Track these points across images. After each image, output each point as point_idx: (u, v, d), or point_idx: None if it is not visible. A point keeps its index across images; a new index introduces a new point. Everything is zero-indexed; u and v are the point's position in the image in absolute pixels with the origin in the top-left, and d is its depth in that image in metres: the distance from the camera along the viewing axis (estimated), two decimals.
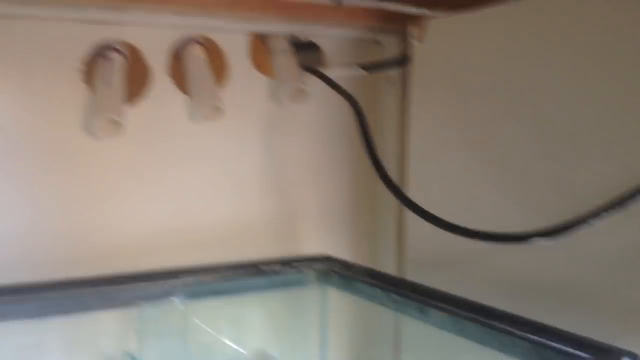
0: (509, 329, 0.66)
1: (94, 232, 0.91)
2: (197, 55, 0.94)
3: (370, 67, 1.03)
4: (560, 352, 0.61)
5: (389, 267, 1.07)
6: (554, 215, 0.69)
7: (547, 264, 0.74)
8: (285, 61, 0.98)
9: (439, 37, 0.88)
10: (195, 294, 0.90)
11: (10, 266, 0.85)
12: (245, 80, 0.99)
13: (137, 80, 0.92)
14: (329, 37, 1.04)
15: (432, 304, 0.76)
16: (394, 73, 1.07)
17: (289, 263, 0.97)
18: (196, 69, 0.93)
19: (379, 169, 0.84)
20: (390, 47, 1.07)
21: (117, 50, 0.90)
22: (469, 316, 0.71)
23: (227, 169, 0.99)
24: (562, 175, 0.72)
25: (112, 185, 0.91)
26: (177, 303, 0.88)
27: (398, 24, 0.97)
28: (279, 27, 0.97)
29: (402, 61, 0.99)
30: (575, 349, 0.61)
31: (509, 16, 0.80)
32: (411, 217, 0.94)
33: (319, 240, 1.07)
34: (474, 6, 0.86)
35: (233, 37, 0.97)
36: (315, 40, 1.04)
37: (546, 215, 0.70)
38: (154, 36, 0.91)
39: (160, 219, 0.95)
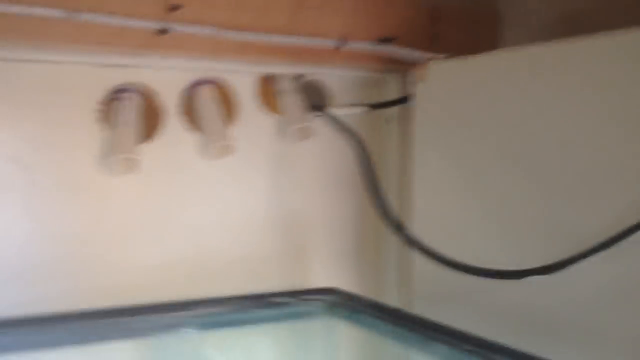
0: None
1: (107, 265, 0.94)
2: (208, 95, 0.99)
3: (375, 105, 1.07)
4: None
5: (393, 300, 1.10)
6: (549, 253, 0.72)
7: (543, 299, 0.77)
8: (292, 100, 1.03)
9: (440, 78, 0.92)
10: (206, 325, 0.93)
11: (27, 297, 0.89)
12: (253, 119, 1.03)
13: (151, 120, 0.96)
14: (333, 76, 1.08)
15: (434, 337, 0.78)
16: (392, 111, 1.11)
17: (296, 295, 1.00)
18: (207, 108, 0.98)
19: (381, 207, 0.88)
20: (393, 85, 1.11)
21: (132, 91, 0.94)
22: (470, 349, 0.74)
23: (236, 205, 1.03)
24: (557, 217, 0.76)
25: (125, 220, 0.95)
26: (189, 333, 0.91)
27: (399, 65, 1.02)
28: (285, 68, 1.02)
29: (404, 100, 1.03)
30: None
31: (508, 61, 0.84)
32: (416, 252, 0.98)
33: (325, 274, 1.10)
34: (469, 49, 0.90)
35: (242, 77, 1.01)
36: (320, 79, 1.08)
37: (542, 253, 0.74)
38: (167, 78, 0.96)
39: (172, 253, 0.98)
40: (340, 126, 0.99)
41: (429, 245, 0.84)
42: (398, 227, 0.87)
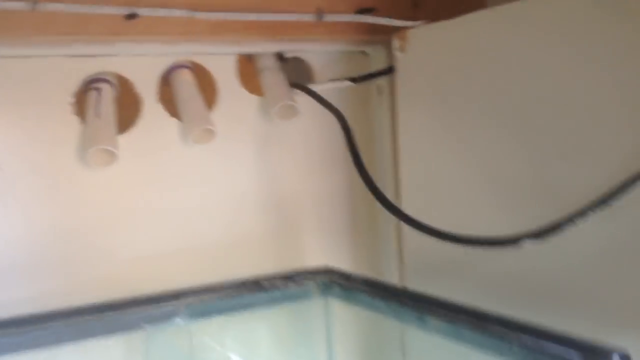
0: (503, 331, 0.67)
1: (93, 260, 0.93)
2: (185, 80, 0.96)
3: (357, 79, 1.05)
4: (553, 352, 0.62)
5: (390, 276, 1.08)
6: (542, 217, 0.70)
7: (537, 265, 0.75)
8: (273, 79, 1.00)
9: (420, 46, 0.90)
10: (199, 313, 0.91)
11: (14, 298, 0.87)
12: (235, 101, 1.00)
13: (128, 109, 0.94)
14: (315, 52, 1.05)
15: (427, 311, 0.77)
16: (383, 82, 1.08)
17: (289, 277, 0.98)
18: (185, 93, 0.95)
19: (366, 179, 0.85)
20: (377, 57, 1.08)
21: (106, 81, 0.92)
22: (464, 321, 0.72)
23: (223, 189, 1.01)
24: (548, 178, 0.74)
25: (109, 212, 0.93)
26: (181, 323, 0.90)
27: (381, 35, 0.99)
28: (264, 47, 0.99)
29: (389, 71, 1.00)
30: (568, 348, 0.62)
31: (490, 20, 0.81)
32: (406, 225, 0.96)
33: (319, 252, 1.09)
34: (452, 14, 0.87)
35: (220, 59, 0.99)
36: (301, 55, 1.05)
37: (534, 217, 0.71)
38: (141, 65, 0.93)
39: (159, 242, 0.97)
40: (321, 102, 0.96)
41: (416, 217, 0.81)
42: (382, 199, 0.84)
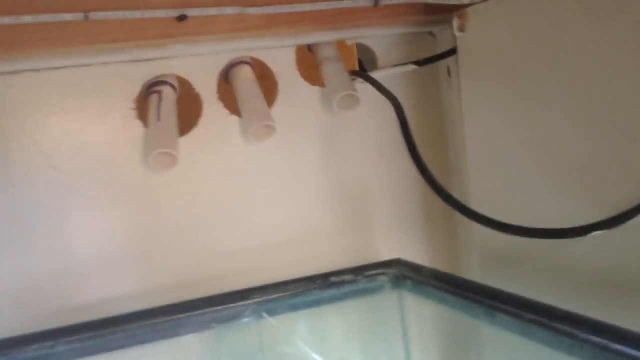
0: (573, 330, 0.63)
1: (165, 260, 0.94)
2: (244, 76, 0.95)
3: (421, 62, 1.00)
4: (624, 353, 0.57)
5: (469, 268, 1.04)
6: (612, 205, 0.64)
7: (608, 256, 0.69)
8: (333, 69, 0.97)
9: (480, 24, 0.84)
10: (268, 312, 0.91)
11: (95, 298, 0.90)
12: (296, 93, 0.99)
13: (189, 110, 0.94)
14: (376, 36, 1.02)
15: (496, 307, 0.73)
16: (453, 64, 1.03)
17: (358, 271, 0.96)
18: (244, 89, 0.94)
19: (422, 169, 0.82)
20: (445, 38, 1.03)
21: (167, 84, 0.92)
22: (533, 318, 0.68)
23: (288, 185, 1.00)
24: (619, 162, 0.67)
25: (175, 213, 0.94)
26: (250, 322, 0.89)
27: (445, 14, 0.94)
28: (322, 36, 0.96)
29: (453, 52, 0.95)
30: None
31: None
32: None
33: (392, 245, 1.06)
34: None
35: (278, 52, 0.97)
36: (362, 41, 1.02)
37: (604, 205, 0.66)
38: (199, 64, 0.93)
39: (226, 241, 0.97)
40: (379, 88, 0.93)
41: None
42: (439, 192, 0.80)
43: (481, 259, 0.92)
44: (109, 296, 0.92)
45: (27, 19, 0.77)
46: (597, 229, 0.64)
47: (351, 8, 0.92)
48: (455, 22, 0.87)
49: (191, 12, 0.83)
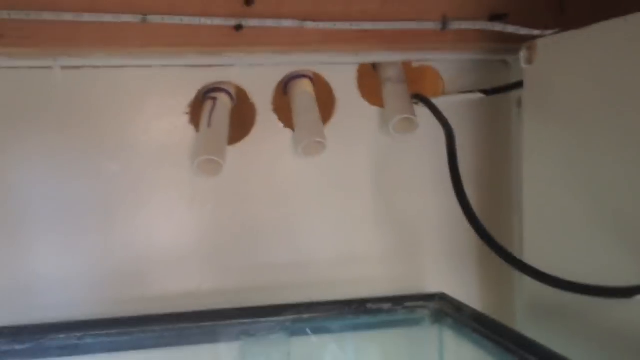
0: None
1: (202, 267, 0.94)
2: (303, 90, 0.94)
3: (490, 91, 0.95)
4: None
5: (515, 313, 0.99)
6: None
7: None
8: (394, 90, 0.94)
9: (549, 57, 0.79)
10: (300, 331, 0.89)
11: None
12: (353, 112, 0.96)
13: (243, 119, 0.94)
14: (444, 61, 0.98)
15: None
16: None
17: (398, 301, 0.92)
18: (301, 103, 0.93)
19: (464, 206, 0.77)
20: (519, 68, 0.98)
21: (224, 91, 0.92)
22: None
23: (337, 204, 0.97)
24: None
25: (219, 220, 0.94)
26: (280, 339, 0.88)
27: (515, 44, 0.89)
28: (384, 56, 0.93)
29: (521, 84, 0.90)
30: None
31: (626, 29, 0.69)
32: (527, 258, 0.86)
33: (440, 278, 1.01)
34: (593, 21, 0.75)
35: (340, 68, 0.95)
36: (430, 64, 0.98)
37: None
38: (256, 74, 0.92)
39: (268, 254, 0.95)
40: (435, 113, 0.89)
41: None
42: (482, 232, 0.75)
43: (529, 306, 0.86)
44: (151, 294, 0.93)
45: (87, 17, 0.79)
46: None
47: (416, 30, 0.89)
48: (524, 53, 0.82)
49: (248, 22, 0.83)
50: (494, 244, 0.74)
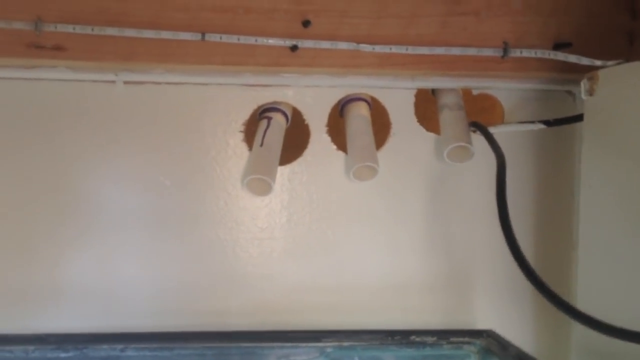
0: None
1: (249, 287, 0.94)
2: (359, 113, 0.93)
3: (552, 122, 0.92)
4: None
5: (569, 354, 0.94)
6: None
7: None
8: (451, 117, 0.92)
9: (611, 89, 0.75)
10: (339, 358, 0.87)
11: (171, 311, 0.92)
12: (409, 138, 0.95)
13: (297, 139, 0.93)
14: (505, 89, 0.95)
15: None
16: None
17: (444, 335, 0.89)
18: (355, 126, 0.92)
19: (510, 242, 0.74)
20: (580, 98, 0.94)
21: (279, 111, 0.92)
22: None
23: (387, 229, 0.96)
24: None
25: (265, 242, 0.93)
26: None
27: (578, 74, 0.85)
28: (441, 82, 0.91)
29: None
30: None
31: None
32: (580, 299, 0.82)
33: (492, 313, 0.97)
34: None
35: (396, 92, 0.93)
36: (490, 92, 0.96)
37: None
38: (313, 95, 0.92)
39: (313, 277, 0.94)
40: (490, 142, 0.86)
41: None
42: (527, 272, 0.72)
43: (582, 350, 0.82)
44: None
45: (148, 33, 0.81)
46: None
47: (475, 56, 0.87)
48: (585, 84, 0.79)
49: (304, 43, 0.83)
50: (538, 283, 0.70)
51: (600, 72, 0.77)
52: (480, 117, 0.94)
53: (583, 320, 0.65)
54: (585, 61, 0.81)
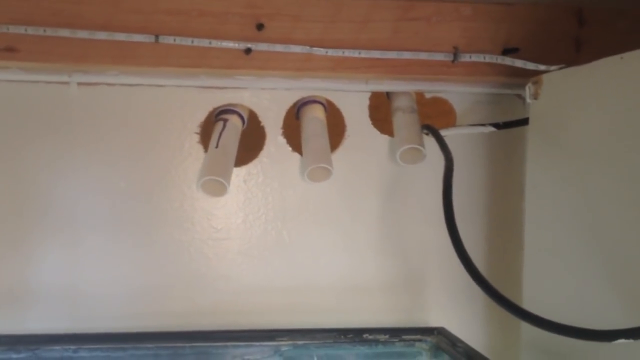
0: None
1: (205, 288, 0.94)
2: (313, 115, 0.94)
3: (501, 125, 0.94)
4: None
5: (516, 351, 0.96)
6: None
7: None
8: (405, 119, 0.94)
9: (554, 93, 0.77)
10: (291, 358, 0.89)
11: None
12: (362, 140, 0.96)
13: (253, 141, 0.94)
14: (456, 92, 0.97)
15: None
16: None
17: (396, 333, 0.91)
18: (310, 128, 0.93)
19: (455, 241, 0.76)
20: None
21: (235, 113, 0.93)
22: None
23: (342, 230, 0.97)
24: None
25: (221, 242, 0.94)
26: None
27: (525, 79, 0.87)
28: (395, 85, 0.93)
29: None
30: None
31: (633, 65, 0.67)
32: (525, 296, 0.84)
33: (445, 312, 0.99)
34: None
35: (351, 95, 0.95)
36: (442, 95, 0.98)
37: None
38: (269, 98, 0.93)
39: (269, 277, 0.95)
40: (440, 144, 0.88)
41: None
42: (471, 268, 0.74)
43: (530, 346, 0.84)
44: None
45: (101, 35, 0.81)
46: (622, 337, 0.56)
47: (427, 60, 0.89)
48: (529, 89, 0.81)
49: (258, 46, 0.84)
50: (487, 286, 0.72)
51: (544, 77, 0.79)
52: (436, 120, 0.96)
53: (524, 316, 0.67)
54: (530, 66, 0.83)
